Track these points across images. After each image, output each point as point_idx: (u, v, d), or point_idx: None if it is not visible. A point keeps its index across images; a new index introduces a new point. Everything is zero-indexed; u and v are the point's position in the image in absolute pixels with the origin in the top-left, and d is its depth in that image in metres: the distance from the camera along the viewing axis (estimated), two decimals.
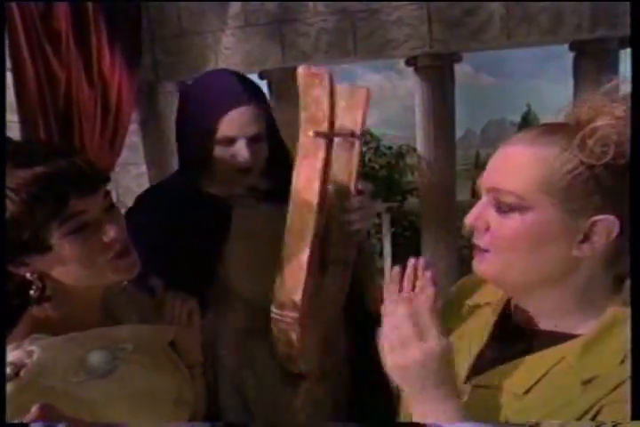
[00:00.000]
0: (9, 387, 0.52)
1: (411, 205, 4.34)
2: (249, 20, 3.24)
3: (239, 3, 3.23)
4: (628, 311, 0.56)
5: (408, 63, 3.28)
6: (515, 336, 0.65)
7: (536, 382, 0.57)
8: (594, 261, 0.57)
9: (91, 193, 0.60)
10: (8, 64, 2.28)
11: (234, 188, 1.09)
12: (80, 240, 0.60)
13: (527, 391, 0.57)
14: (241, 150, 1.01)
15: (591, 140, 0.51)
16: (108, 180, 0.64)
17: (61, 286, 0.62)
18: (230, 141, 1.00)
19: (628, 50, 1.27)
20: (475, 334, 0.68)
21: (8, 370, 0.53)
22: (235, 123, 0.98)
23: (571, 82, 3.23)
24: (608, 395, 0.52)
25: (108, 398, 0.57)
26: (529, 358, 0.60)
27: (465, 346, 0.67)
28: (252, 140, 1.01)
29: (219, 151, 1.01)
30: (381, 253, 4.51)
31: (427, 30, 3.03)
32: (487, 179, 0.63)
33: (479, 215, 0.64)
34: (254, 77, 3.51)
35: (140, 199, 1.14)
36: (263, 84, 3.49)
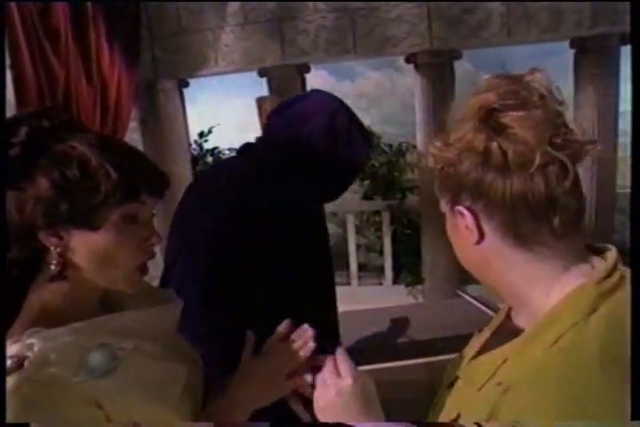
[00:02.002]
0: (12, 379, 0.52)
1: (411, 202, 4.33)
2: (248, 17, 3.24)
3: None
4: (571, 307, 0.54)
5: (408, 60, 3.28)
6: (502, 330, 0.67)
7: (488, 380, 0.58)
8: (495, 248, 0.59)
9: (156, 196, 0.66)
10: (7, 62, 2.27)
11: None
12: (125, 233, 0.63)
13: (480, 388, 0.58)
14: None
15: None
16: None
17: (74, 273, 0.63)
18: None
19: (629, 46, 1.27)
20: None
21: (9, 362, 0.53)
22: None
23: (571, 79, 3.23)
24: (503, 396, 0.52)
25: (117, 389, 0.58)
26: (488, 354, 0.62)
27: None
28: None
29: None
30: (381, 251, 4.51)
31: (426, 27, 3.03)
32: None
33: None
34: (253, 75, 3.50)
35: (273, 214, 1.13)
36: (262, 82, 3.49)
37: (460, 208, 0.60)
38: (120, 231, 0.62)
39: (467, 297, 2.83)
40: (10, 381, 0.52)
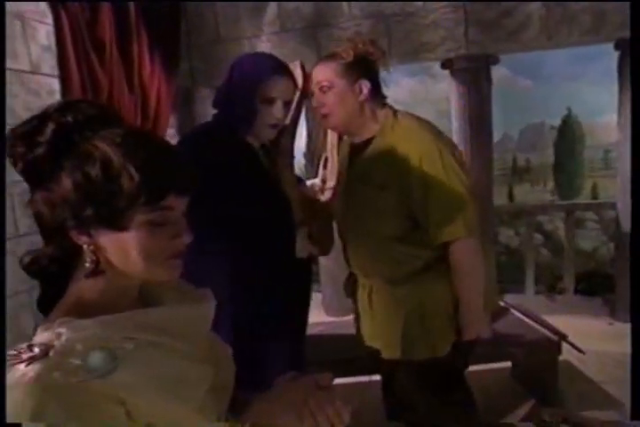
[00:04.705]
0: (37, 366, 0.52)
1: None
2: (284, 25, 3.29)
3: (275, 8, 3.28)
4: None
5: (443, 66, 3.24)
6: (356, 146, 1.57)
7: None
8: (371, 102, 1.43)
9: (185, 194, 0.63)
10: (56, 71, 2.38)
11: (262, 140, 1.41)
12: (155, 233, 0.61)
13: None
14: (278, 109, 1.33)
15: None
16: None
17: (109, 267, 0.62)
18: (271, 101, 1.32)
19: None
20: None
21: (37, 350, 0.54)
22: (277, 86, 1.32)
23: (614, 83, 3.11)
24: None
25: (139, 385, 0.57)
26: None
27: None
28: (285, 104, 1.36)
29: (261, 108, 1.32)
30: None
31: (463, 32, 2.99)
32: None
33: None
34: None
35: (186, 142, 1.40)
36: None
37: (365, 81, 1.36)
38: (148, 232, 0.60)
39: (505, 306, 2.75)
40: (34, 368, 0.52)
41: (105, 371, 0.54)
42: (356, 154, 1.46)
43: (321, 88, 1.38)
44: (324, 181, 1.61)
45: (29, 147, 0.58)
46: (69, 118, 0.59)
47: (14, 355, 0.54)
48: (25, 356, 0.53)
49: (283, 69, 1.35)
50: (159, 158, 0.60)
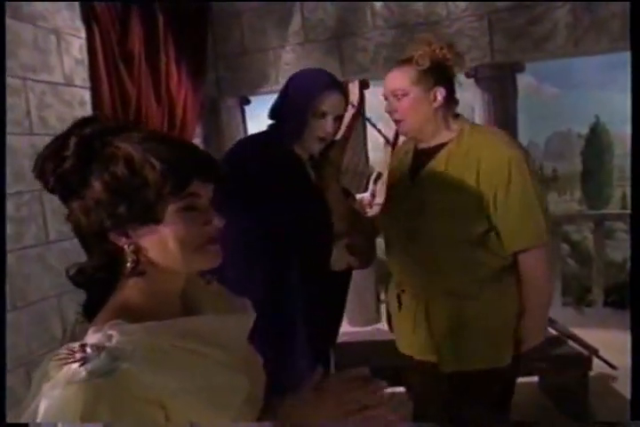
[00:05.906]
0: (90, 366, 0.54)
1: None
2: (308, 36, 3.32)
3: (299, 19, 3.32)
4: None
5: (468, 75, 3.22)
6: (422, 151, 1.52)
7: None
8: (443, 107, 1.40)
9: (209, 181, 0.67)
10: (87, 83, 2.46)
11: (310, 152, 1.43)
12: (187, 220, 0.64)
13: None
14: (328, 123, 1.35)
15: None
16: (222, 178, 0.70)
17: (151, 268, 0.65)
18: (322, 115, 1.34)
19: None
20: None
21: (89, 351, 0.55)
22: (328, 102, 1.34)
23: None
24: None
25: (181, 392, 0.58)
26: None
27: None
28: (335, 119, 1.37)
29: (312, 122, 1.34)
30: None
31: (488, 41, 2.97)
32: None
33: None
34: None
35: (235, 150, 1.43)
36: None
37: (440, 88, 1.35)
38: (181, 221, 0.63)
39: None
40: (86, 368, 0.54)
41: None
42: (423, 159, 1.43)
43: (395, 95, 1.38)
44: (373, 196, 1.61)
45: (57, 162, 0.61)
46: (88, 130, 0.63)
47: (67, 354, 0.55)
48: (78, 356, 0.55)
49: (335, 85, 1.37)
50: (178, 148, 0.64)
